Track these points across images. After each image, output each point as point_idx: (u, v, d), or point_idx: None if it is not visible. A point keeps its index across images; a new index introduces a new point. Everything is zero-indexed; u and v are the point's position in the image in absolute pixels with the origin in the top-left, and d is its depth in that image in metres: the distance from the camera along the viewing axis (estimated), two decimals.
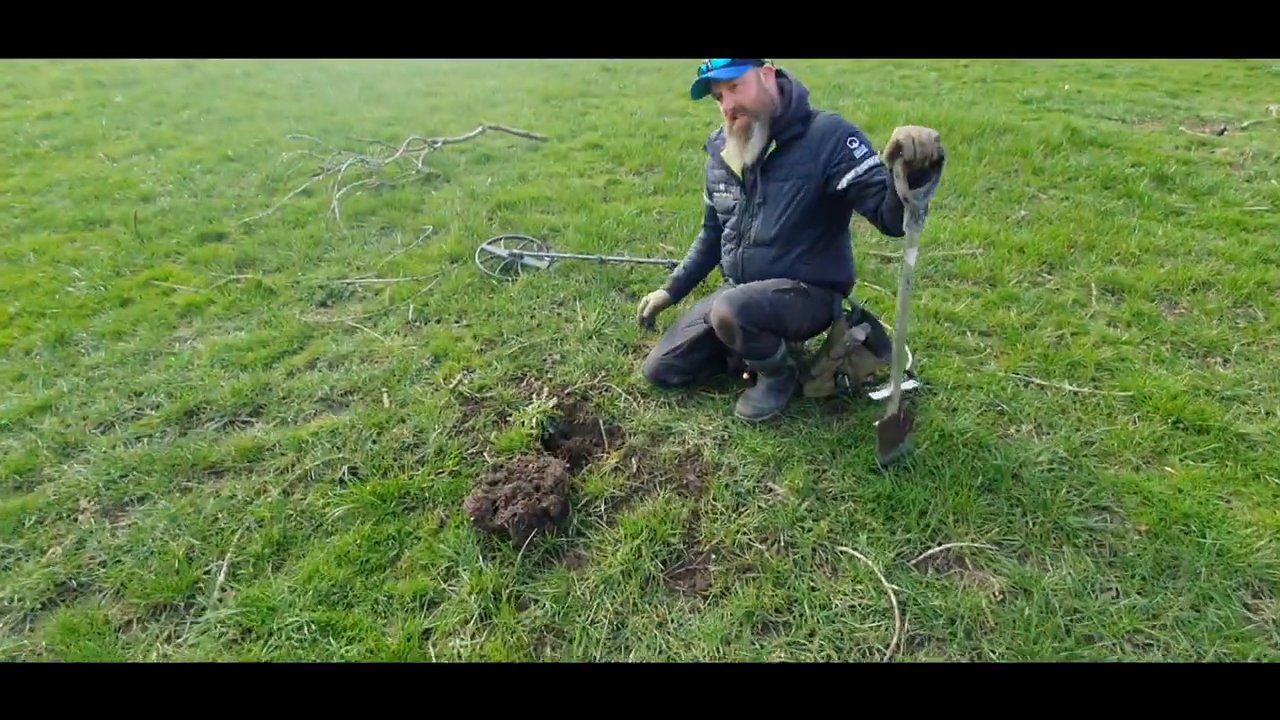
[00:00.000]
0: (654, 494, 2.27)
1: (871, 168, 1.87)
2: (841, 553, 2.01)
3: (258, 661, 1.70)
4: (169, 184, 5.59)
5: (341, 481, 2.34)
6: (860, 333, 2.45)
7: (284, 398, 2.90)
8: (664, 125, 6.43)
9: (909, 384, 2.18)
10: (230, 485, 2.39)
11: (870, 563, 1.95)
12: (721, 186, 2.29)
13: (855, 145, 1.91)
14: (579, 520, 2.16)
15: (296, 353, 3.26)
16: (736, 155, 2.08)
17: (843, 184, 1.92)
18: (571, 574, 1.98)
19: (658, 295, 3.00)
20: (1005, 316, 3.22)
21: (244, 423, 2.77)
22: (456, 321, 3.46)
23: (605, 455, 2.49)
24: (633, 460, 2.40)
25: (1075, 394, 2.66)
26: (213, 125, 7.34)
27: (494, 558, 2.05)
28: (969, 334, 3.11)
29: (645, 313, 3.02)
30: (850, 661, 1.48)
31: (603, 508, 2.20)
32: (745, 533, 2.09)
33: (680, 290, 2.94)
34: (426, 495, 2.29)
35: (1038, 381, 2.74)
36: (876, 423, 2.07)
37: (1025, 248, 3.88)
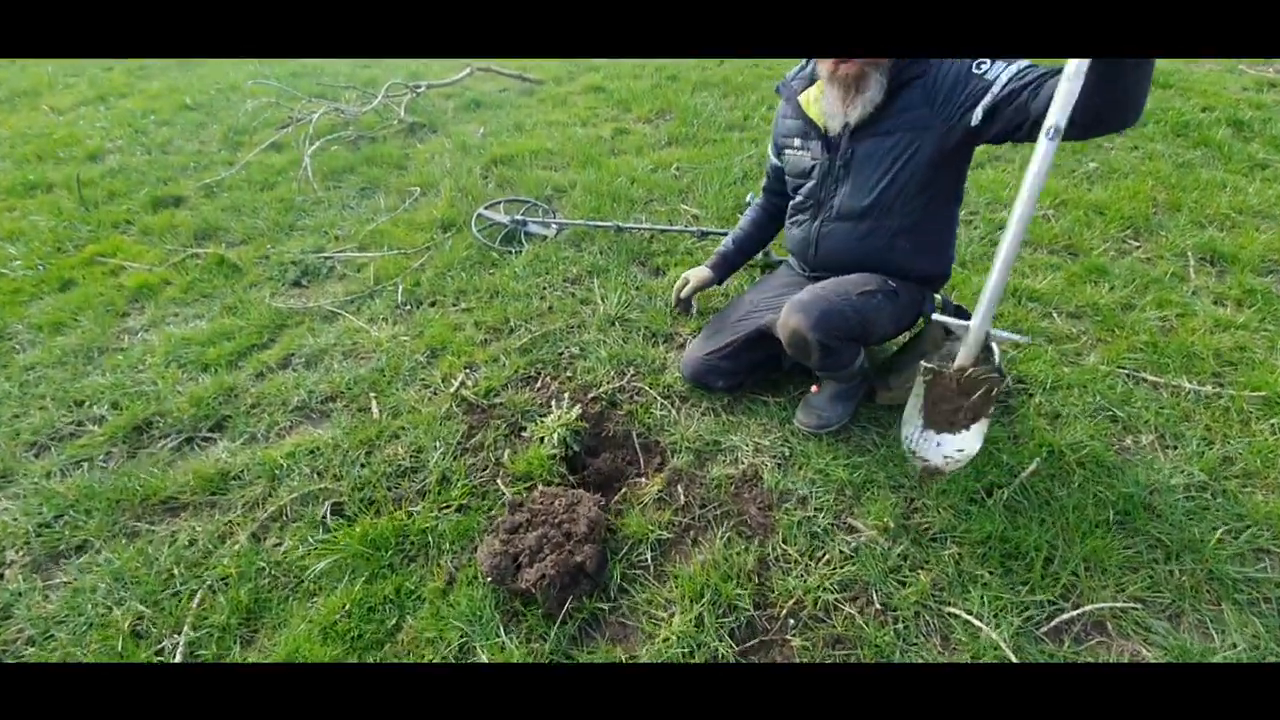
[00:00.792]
0: (709, 534, 1.85)
1: (1013, 75, 1.35)
2: (952, 616, 1.61)
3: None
4: (119, 138, 4.94)
5: (324, 524, 1.91)
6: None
7: (253, 406, 2.44)
8: (671, 65, 5.75)
9: (1005, 337, 1.69)
10: (188, 527, 1.95)
11: (991, 631, 1.55)
12: (796, 142, 1.77)
13: (984, 67, 1.39)
14: (620, 573, 1.75)
15: (267, 346, 2.78)
16: (836, 110, 1.57)
17: (977, 115, 1.40)
18: (618, 651, 1.58)
19: (699, 274, 2.51)
20: (1096, 294, 2.75)
21: (204, 440, 2.31)
22: (454, 304, 2.97)
23: (644, 479, 2.06)
24: (678, 488, 1.98)
25: (1197, 394, 2.23)
26: (169, 69, 6.57)
27: (519, 628, 1.64)
28: (1056, 316, 2.66)
29: (682, 293, 2.53)
30: None
31: (648, 555, 1.79)
32: (828, 589, 1.68)
33: (727, 269, 2.44)
34: (429, 540, 1.86)
35: (1149, 378, 2.31)
36: (925, 367, 1.64)
37: (1104, 208, 3.38)
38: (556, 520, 1.76)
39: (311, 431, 2.31)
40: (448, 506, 1.97)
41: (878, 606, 1.64)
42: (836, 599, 1.66)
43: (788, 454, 2.10)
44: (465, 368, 2.55)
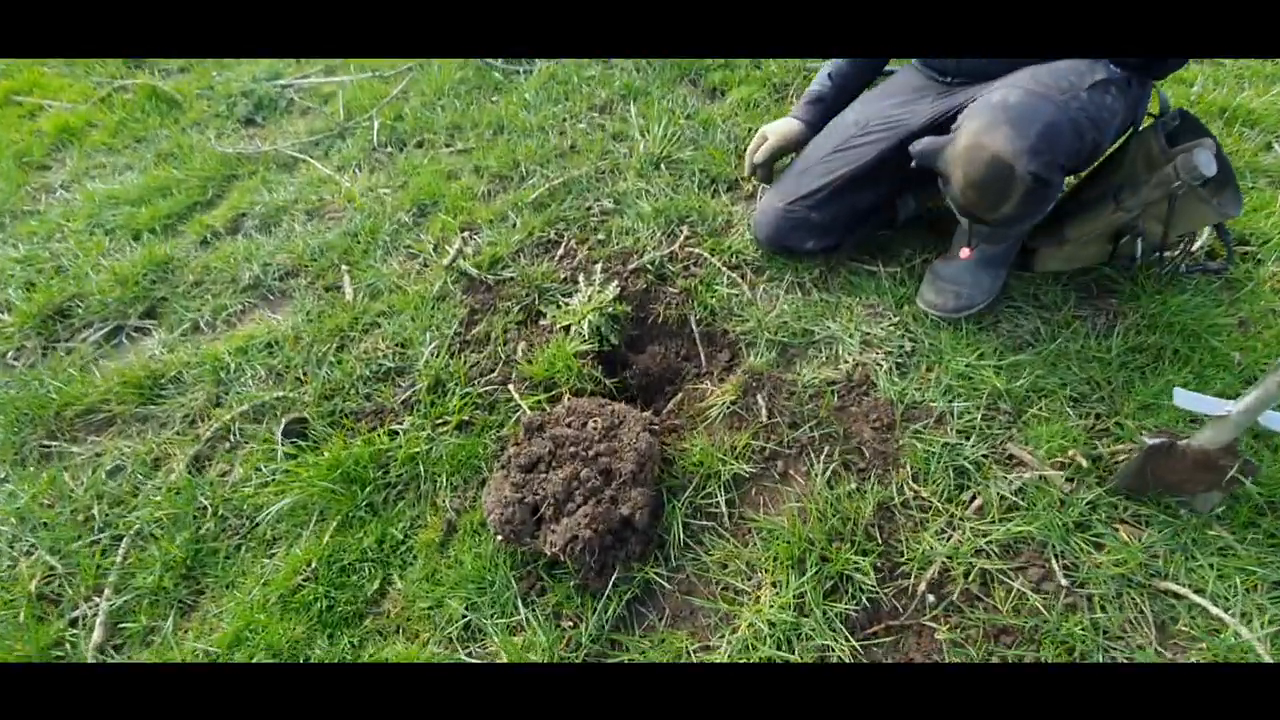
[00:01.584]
0: (805, 467, 1.31)
1: None
2: (1172, 596, 1.09)
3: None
4: None
5: (283, 451, 1.42)
6: (1205, 158, 1.26)
7: (195, 285, 1.89)
8: None
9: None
10: (113, 448, 1.50)
11: (1236, 622, 1.03)
12: None
13: None
14: (681, 523, 1.24)
15: (213, 205, 2.17)
16: None
17: None
18: (685, 642, 1.11)
19: (784, 127, 1.70)
20: None
21: (136, 331, 1.80)
22: (446, 145, 2.27)
23: (707, 383, 1.50)
24: (757, 397, 1.41)
25: None
26: None
27: (543, 601, 1.18)
28: None
29: (759, 157, 1.78)
30: None
31: (720, 499, 1.27)
32: (986, 552, 1.16)
33: (826, 115, 1.68)
34: (420, 470, 1.37)
35: None
36: (1151, 442, 1.02)
37: None
38: (591, 451, 1.23)
39: (268, 318, 1.77)
40: (443, 423, 1.45)
41: (1060, 580, 1.12)
42: (998, 567, 1.14)
43: (909, 349, 1.49)
44: (463, 230, 1.92)
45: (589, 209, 1.94)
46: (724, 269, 1.70)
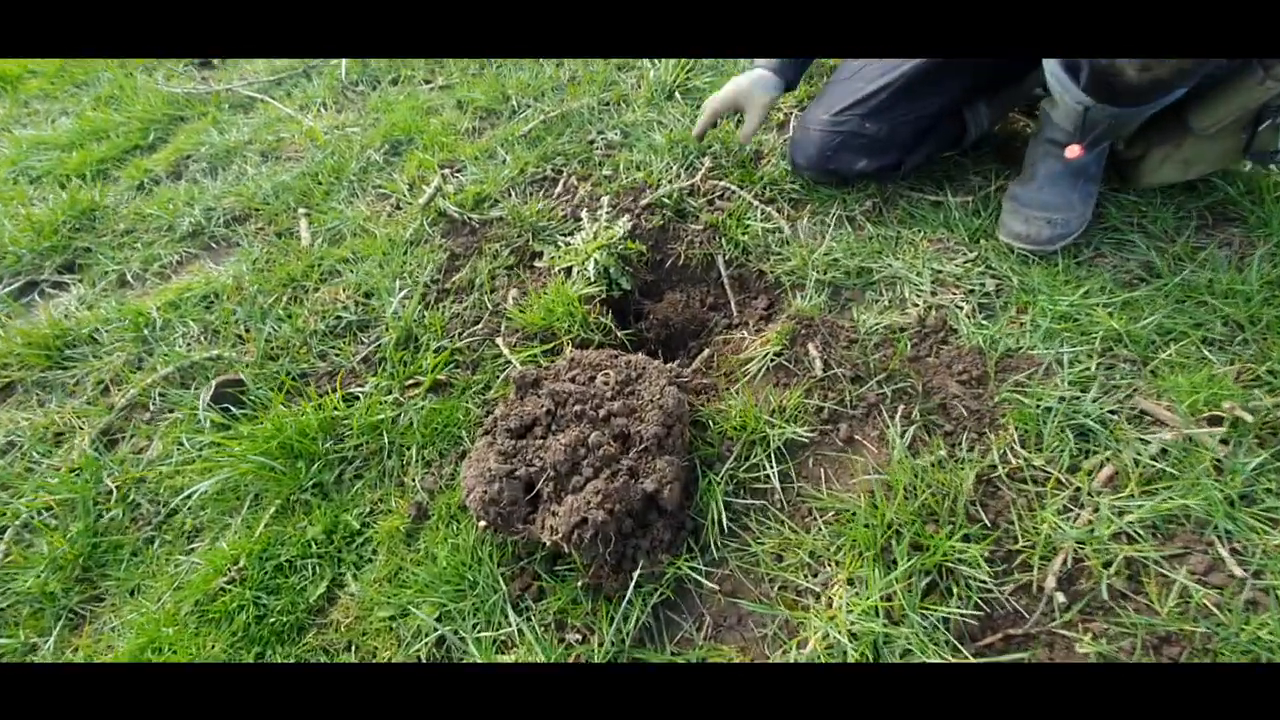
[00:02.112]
0: (875, 430, 1.03)
1: None
2: None
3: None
4: None
5: (210, 420, 1.13)
6: None
7: (125, 234, 1.59)
8: None
9: None
10: (8, 421, 1.21)
11: None
12: None
13: None
14: (721, 502, 0.95)
15: (155, 148, 1.87)
16: None
17: None
18: (727, 652, 0.82)
19: (746, 85, 1.38)
20: None
21: (53, 286, 1.50)
22: (426, 81, 1.98)
23: (742, 331, 1.21)
24: (809, 347, 1.12)
25: None
26: None
27: (540, 609, 0.89)
28: None
29: (699, 129, 1.46)
30: None
31: (771, 469, 0.98)
32: (1131, 535, 0.87)
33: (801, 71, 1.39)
34: (384, 442, 1.08)
35: None
36: None
37: None
38: (602, 411, 0.94)
39: (208, 269, 1.48)
40: (414, 384, 1.16)
41: (1234, 570, 0.83)
42: (1147, 555, 0.85)
43: (993, 289, 1.20)
44: (443, 167, 1.62)
45: (591, 143, 1.65)
46: (756, 202, 1.41)
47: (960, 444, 0.99)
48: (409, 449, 1.08)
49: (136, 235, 1.57)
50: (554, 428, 0.94)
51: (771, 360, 1.12)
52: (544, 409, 0.95)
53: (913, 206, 1.38)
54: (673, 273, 1.36)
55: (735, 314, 1.29)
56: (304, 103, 1.93)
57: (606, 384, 0.99)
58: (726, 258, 1.33)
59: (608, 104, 1.76)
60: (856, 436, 1.03)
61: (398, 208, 1.55)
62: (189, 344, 1.29)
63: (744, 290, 1.32)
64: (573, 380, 1.02)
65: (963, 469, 0.95)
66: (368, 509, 1.02)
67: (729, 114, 1.49)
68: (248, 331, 1.30)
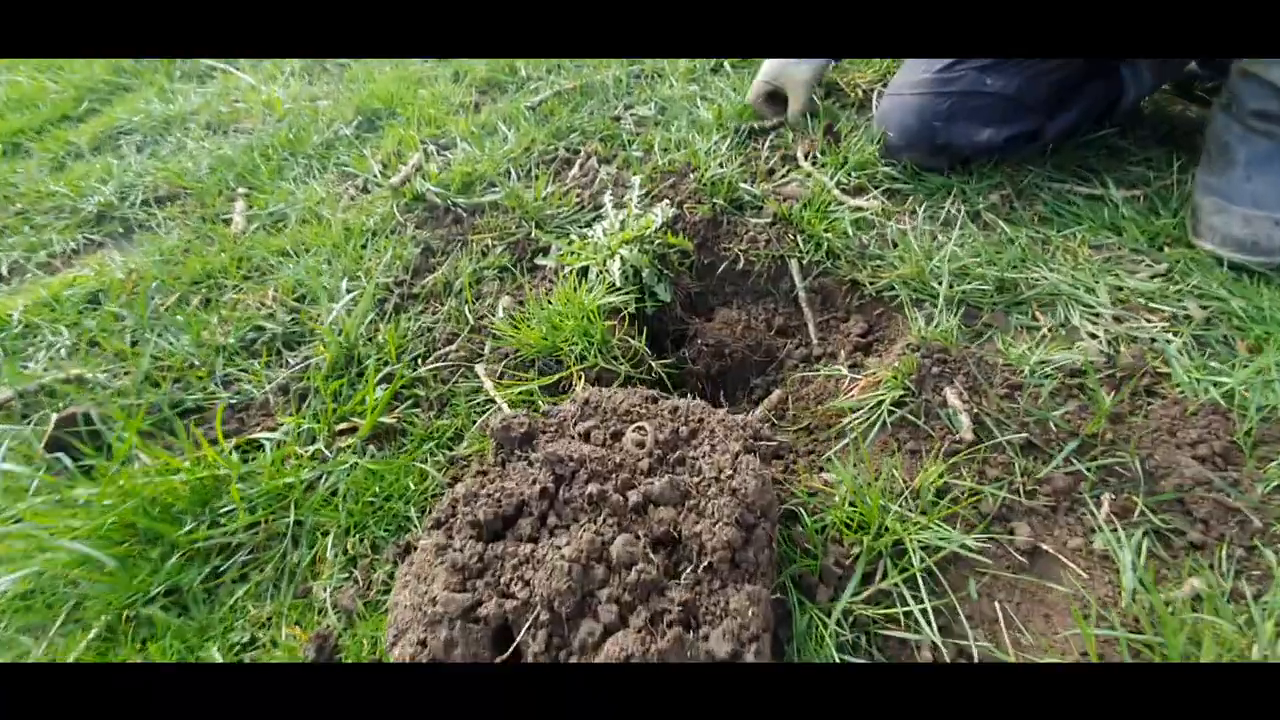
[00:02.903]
0: (1070, 534, 0.63)
1: None
2: None
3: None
4: None
5: (43, 478, 0.74)
6: None
7: (16, 214, 1.24)
8: None
9: None
10: None
11: None
12: None
13: None
14: (833, 647, 0.54)
15: (86, 119, 1.54)
16: None
17: None
18: None
19: (778, 61, 1.17)
20: None
21: None
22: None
23: (830, 367, 0.82)
24: (946, 393, 0.73)
25: None
26: None
27: None
28: None
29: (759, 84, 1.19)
30: None
31: (915, 605, 0.57)
32: None
33: None
34: (287, 523, 0.68)
35: None
36: None
37: None
38: (633, 495, 0.55)
39: (108, 260, 1.11)
40: (347, 430, 0.78)
41: None
42: None
43: (1201, 315, 0.81)
44: (425, 144, 1.27)
45: (617, 119, 1.29)
46: (841, 196, 1.04)
47: (1221, 566, 0.59)
48: (326, 535, 0.69)
49: (29, 217, 1.21)
50: (552, 521, 0.55)
51: (889, 412, 0.73)
52: (537, 487, 0.57)
53: (1058, 201, 1.01)
54: (727, 281, 0.98)
55: (815, 341, 0.91)
56: (272, 73, 1.60)
57: (641, 446, 0.60)
58: (804, 262, 0.95)
59: (639, 76, 1.41)
60: (1044, 545, 0.63)
61: (364, 190, 1.19)
62: (50, 359, 0.91)
63: (828, 308, 0.94)
64: (587, 437, 0.63)
65: (1245, 614, 0.54)
66: (246, 637, 0.63)
67: (769, 101, 1.17)
68: (134, 345, 0.92)
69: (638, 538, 0.53)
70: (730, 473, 0.57)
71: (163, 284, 1.01)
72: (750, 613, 0.49)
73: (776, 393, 0.86)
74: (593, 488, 0.56)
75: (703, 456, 0.60)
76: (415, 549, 0.57)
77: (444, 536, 0.55)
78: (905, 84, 1.03)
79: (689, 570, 0.52)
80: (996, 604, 0.60)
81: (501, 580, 0.51)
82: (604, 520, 0.55)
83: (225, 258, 1.05)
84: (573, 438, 0.64)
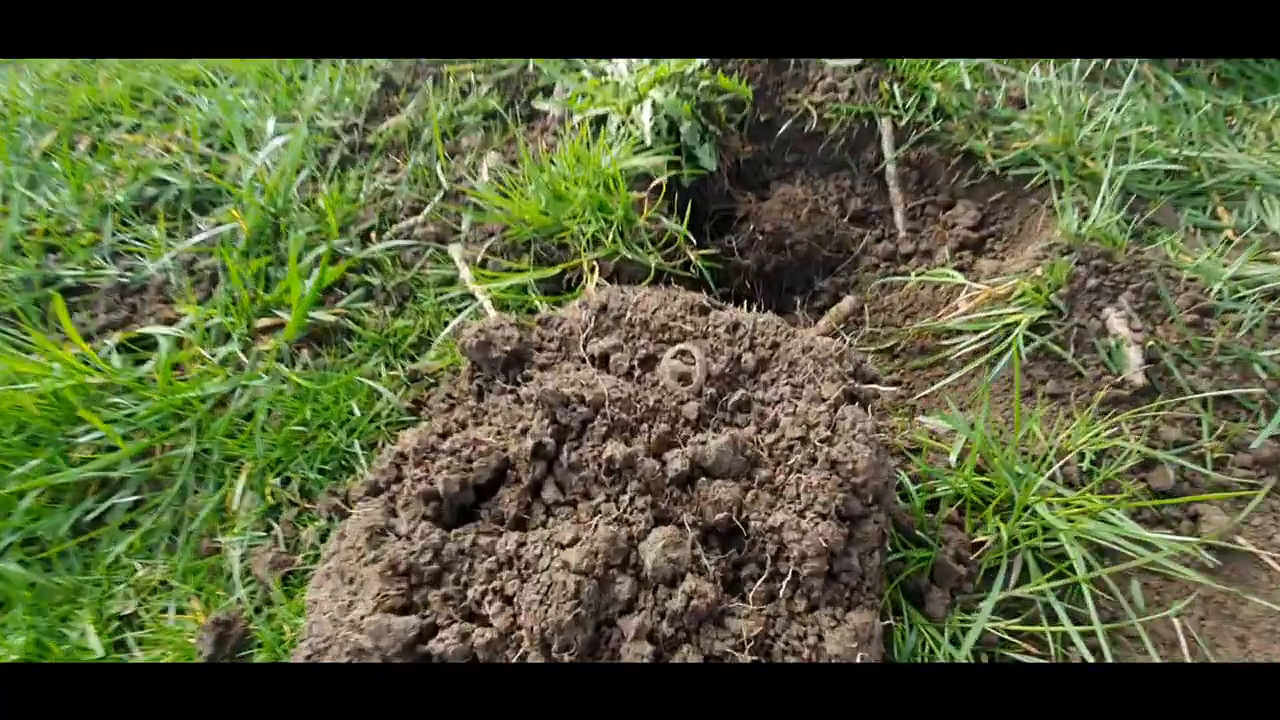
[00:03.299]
0: (1253, 527, 0.44)
1: None
2: None
3: None
4: None
5: None
6: None
7: None
8: None
9: None
10: None
11: None
12: None
13: None
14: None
15: None
16: None
17: None
18: None
19: None
20: None
21: None
22: None
23: (922, 265, 0.60)
24: (1108, 314, 0.52)
25: None
26: None
27: None
28: None
29: None
30: None
31: (1070, 624, 0.39)
32: None
33: None
34: (185, 454, 0.49)
35: None
36: None
37: None
38: (674, 462, 0.35)
39: None
40: (272, 326, 0.57)
41: None
42: None
43: None
44: None
45: None
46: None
47: None
48: (238, 472, 0.50)
49: None
50: (550, 497, 0.36)
51: (1024, 339, 0.52)
52: (529, 441, 0.37)
53: (1245, 63, 0.73)
54: (791, 146, 0.73)
55: (903, 233, 0.68)
56: None
57: (687, 381, 0.40)
58: (899, 123, 0.70)
59: None
60: (1240, 540, 0.44)
61: None
62: None
63: (926, 189, 0.70)
64: (604, 362, 0.42)
65: None
66: (130, 606, 0.46)
67: None
68: (4, 201, 0.69)
69: (683, 529, 0.34)
70: (827, 433, 0.37)
71: (40, 119, 0.76)
72: (859, 656, 0.32)
73: (849, 299, 0.65)
74: (614, 448, 0.36)
75: (779, 402, 0.40)
76: (333, 539, 0.38)
77: (383, 513, 0.36)
78: None
79: (760, 583, 0.34)
80: (1176, 620, 0.43)
81: (469, 594, 0.33)
82: (631, 500, 0.35)
83: (122, 85, 0.79)
84: (583, 362, 0.43)
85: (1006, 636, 0.41)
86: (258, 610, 0.45)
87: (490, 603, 0.32)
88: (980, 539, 0.44)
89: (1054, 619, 0.41)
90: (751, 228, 0.67)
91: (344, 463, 0.52)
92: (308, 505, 0.50)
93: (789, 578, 0.34)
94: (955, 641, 0.40)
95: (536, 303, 0.57)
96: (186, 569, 0.48)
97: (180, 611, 0.47)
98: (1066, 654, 0.42)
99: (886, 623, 0.38)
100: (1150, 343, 0.52)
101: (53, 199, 0.69)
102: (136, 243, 0.65)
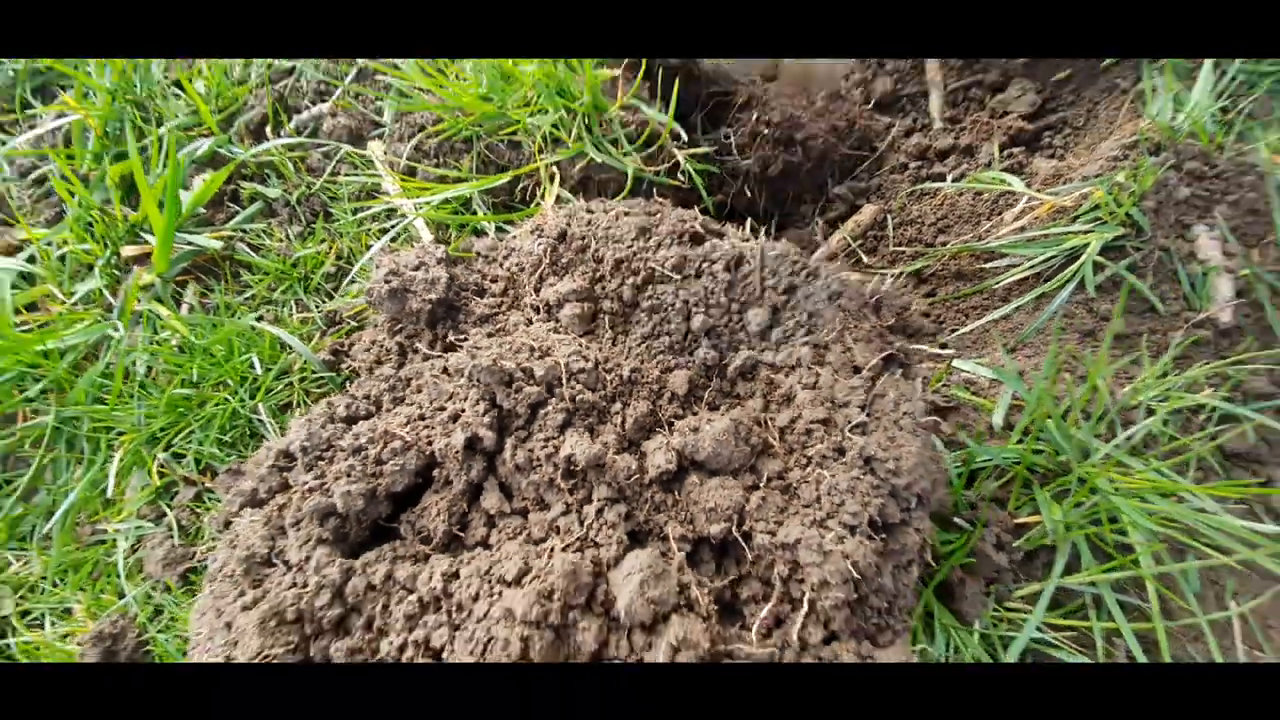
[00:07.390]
0: None
1: None
2: None
3: None
4: None
5: None
6: None
7: None
8: None
9: None
10: None
11: None
12: None
13: None
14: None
15: None
16: None
17: None
18: None
19: None
20: None
21: None
22: None
23: (964, 165, 0.48)
24: (1197, 230, 0.41)
25: None
26: None
27: None
28: None
29: None
30: None
31: (1127, 631, 0.32)
32: None
33: None
34: (80, 425, 0.39)
35: None
36: None
37: None
38: (651, 459, 0.26)
39: None
40: (142, 256, 0.44)
41: None
42: None
43: None
44: None
45: None
46: None
47: None
48: (116, 444, 0.40)
49: None
50: (491, 507, 0.27)
51: (1093, 266, 0.42)
52: (460, 434, 0.27)
53: None
54: None
55: (940, 123, 0.55)
56: None
57: (671, 340, 0.30)
58: None
59: None
60: None
61: None
62: None
63: (971, 63, 0.56)
64: (559, 312, 0.32)
65: None
66: (9, 602, 0.38)
67: None
68: None
69: (668, 549, 0.25)
70: (861, 416, 0.28)
71: None
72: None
73: (869, 208, 0.53)
74: (575, 442, 0.27)
75: (796, 369, 0.30)
76: (212, 563, 0.29)
77: (265, 534, 0.27)
78: None
79: (766, 610, 0.26)
80: (1248, 614, 0.36)
81: (383, 646, 0.24)
82: (599, 511, 0.26)
83: None
84: (535, 312, 0.32)
85: (1046, 633, 0.35)
86: (152, 617, 0.37)
87: (411, 658, 0.24)
88: (1024, 520, 0.37)
89: (1105, 612, 0.35)
90: (755, 117, 0.54)
91: (250, 430, 0.42)
92: (206, 484, 0.41)
93: (807, 610, 0.26)
94: (991, 651, 0.34)
95: (482, 219, 0.45)
96: (66, 564, 0.40)
97: (65, 614, 0.39)
98: (1111, 651, 0.36)
99: (920, 647, 0.31)
100: (1245, 271, 0.42)
101: None
102: None
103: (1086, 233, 0.43)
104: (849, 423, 0.28)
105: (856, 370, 0.29)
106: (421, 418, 0.29)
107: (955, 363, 0.43)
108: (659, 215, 0.37)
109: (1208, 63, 0.47)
